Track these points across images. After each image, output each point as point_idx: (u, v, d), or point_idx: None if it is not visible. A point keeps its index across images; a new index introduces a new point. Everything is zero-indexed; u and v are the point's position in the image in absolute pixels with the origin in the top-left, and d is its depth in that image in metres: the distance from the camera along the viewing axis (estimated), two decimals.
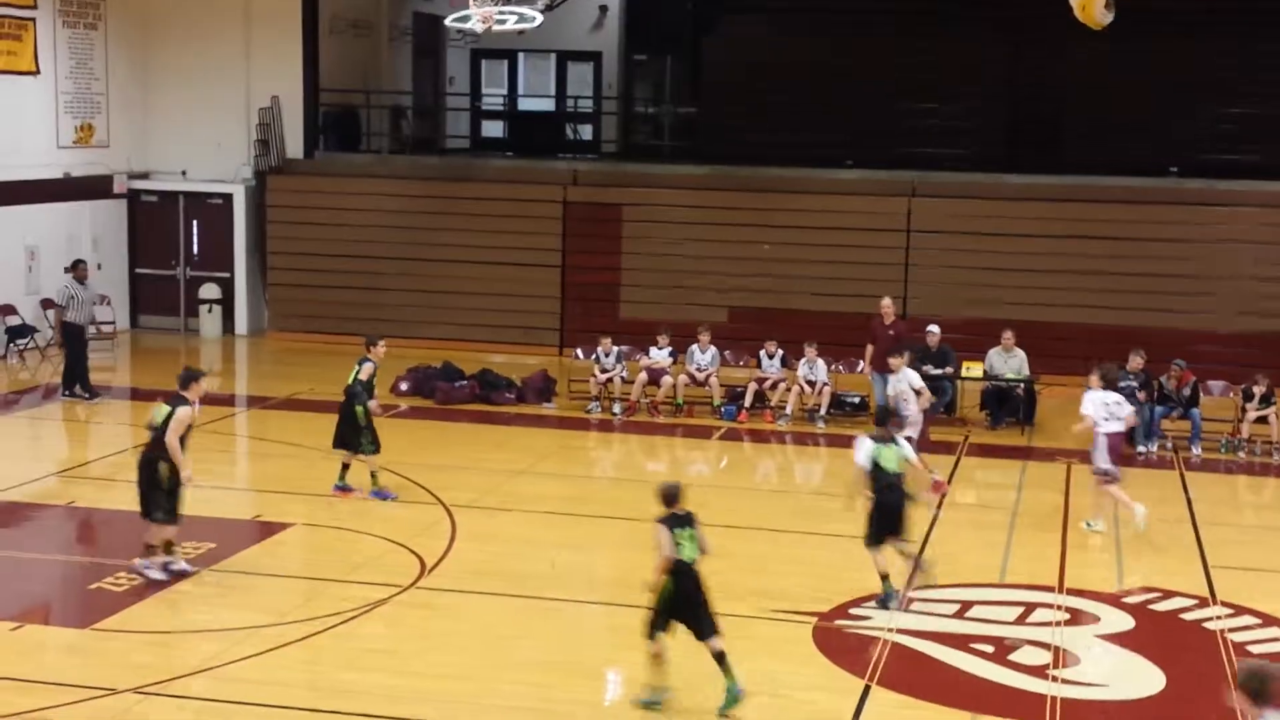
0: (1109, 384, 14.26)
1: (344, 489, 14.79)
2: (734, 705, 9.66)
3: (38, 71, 22.95)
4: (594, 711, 10.08)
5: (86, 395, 19.22)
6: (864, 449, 11.81)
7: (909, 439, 13.33)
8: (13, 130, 22.41)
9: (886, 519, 11.75)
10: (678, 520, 9.78)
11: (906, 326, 18.90)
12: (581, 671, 10.58)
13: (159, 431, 12.06)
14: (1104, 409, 14.05)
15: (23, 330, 21.99)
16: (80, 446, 18.12)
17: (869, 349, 18.28)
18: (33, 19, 22.72)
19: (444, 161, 27.19)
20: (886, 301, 18.65)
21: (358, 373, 14.74)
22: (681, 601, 9.69)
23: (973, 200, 22.80)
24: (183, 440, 12.08)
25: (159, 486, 12.03)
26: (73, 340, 19.38)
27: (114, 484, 15.26)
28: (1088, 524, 14.35)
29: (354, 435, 14.66)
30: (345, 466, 14.82)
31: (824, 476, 16.85)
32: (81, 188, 24.00)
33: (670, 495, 9.82)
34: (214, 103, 25.03)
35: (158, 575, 12.10)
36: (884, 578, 11.89)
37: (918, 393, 15.31)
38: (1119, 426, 14.10)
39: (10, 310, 22.15)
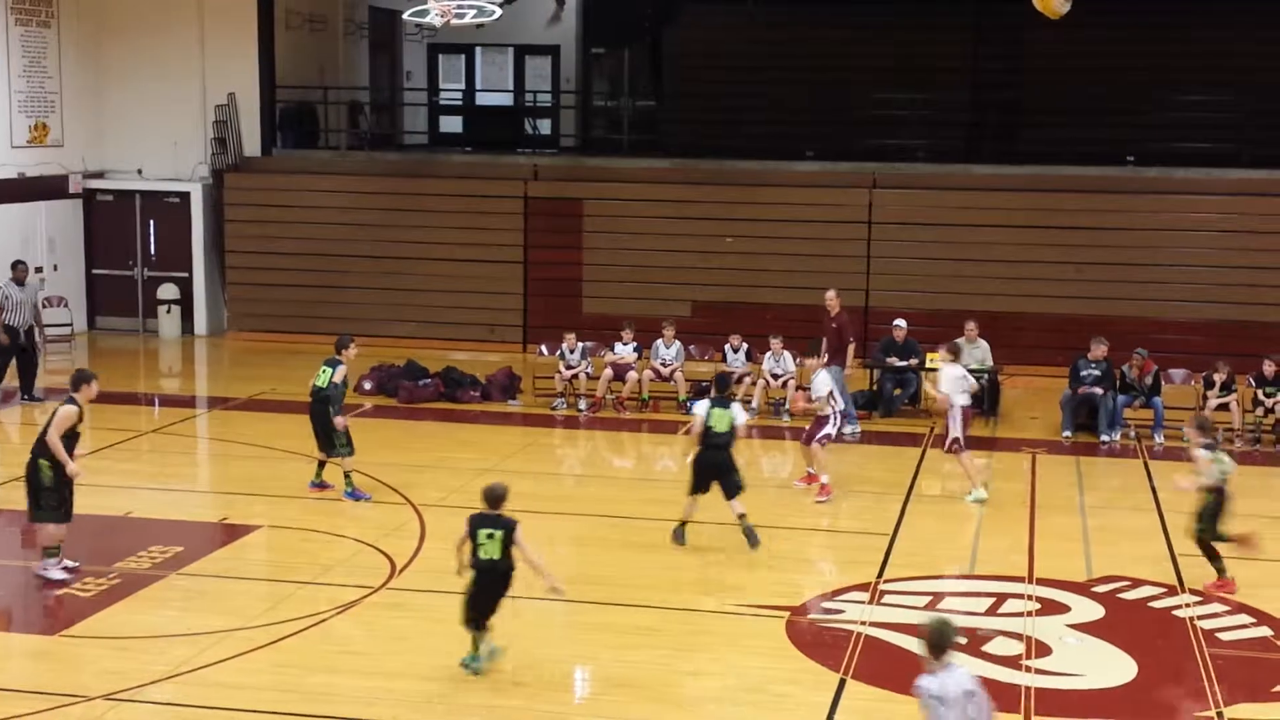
0: (958, 358, 15.12)
1: (320, 485, 14.73)
2: (478, 663, 10.19)
3: None
4: (565, 709, 10.04)
5: (25, 398, 19.09)
6: (701, 407, 13.17)
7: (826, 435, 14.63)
8: None
9: (702, 473, 13.07)
10: (485, 520, 10.10)
11: (850, 318, 18.81)
12: (552, 671, 10.53)
13: (43, 431, 12.00)
14: (960, 383, 14.78)
15: None
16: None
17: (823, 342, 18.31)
18: None
19: (403, 157, 27.05)
20: (830, 294, 18.60)
21: (331, 375, 14.59)
22: (480, 597, 10.14)
23: (934, 191, 22.86)
24: (74, 440, 12.07)
25: (43, 486, 11.97)
26: (11, 341, 19.18)
27: (77, 488, 15.04)
28: (969, 496, 14.81)
29: (329, 438, 14.56)
30: (321, 464, 14.74)
31: (791, 470, 16.86)
32: (36, 188, 23.73)
33: (492, 497, 10.11)
34: (169, 100, 24.80)
35: (59, 575, 12.04)
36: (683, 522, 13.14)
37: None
38: (968, 400, 14.95)
39: None
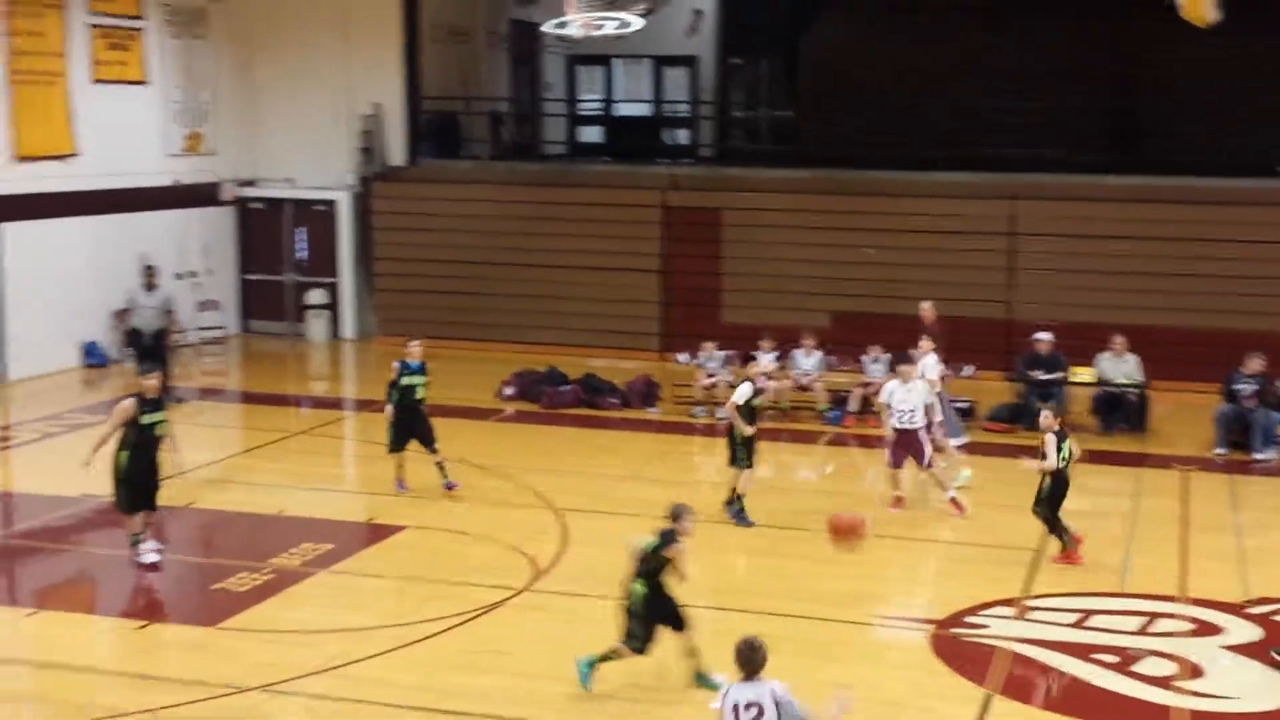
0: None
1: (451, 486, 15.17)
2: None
3: (146, 81, 23.42)
4: (702, 713, 10.03)
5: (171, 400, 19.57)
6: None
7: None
8: (123, 139, 22.87)
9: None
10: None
11: (941, 329, 18.52)
12: (688, 677, 10.54)
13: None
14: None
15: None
16: (195, 448, 18.36)
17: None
18: (141, 29, 23.22)
19: (543, 167, 27.32)
20: (926, 305, 18.43)
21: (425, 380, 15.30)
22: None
23: (1079, 202, 22.48)
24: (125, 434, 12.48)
25: (117, 478, 12.53)
26: (136, 347, 19.75)
27: (231, 485, 15.54)
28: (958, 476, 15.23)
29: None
30: (439, 466, 15.14)
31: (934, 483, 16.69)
32: (190, 195, 24.43)
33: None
34: (318, 110, 25.40)
35: (153, 558, 12.51)
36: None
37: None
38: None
39: (124, 316, 22.56)
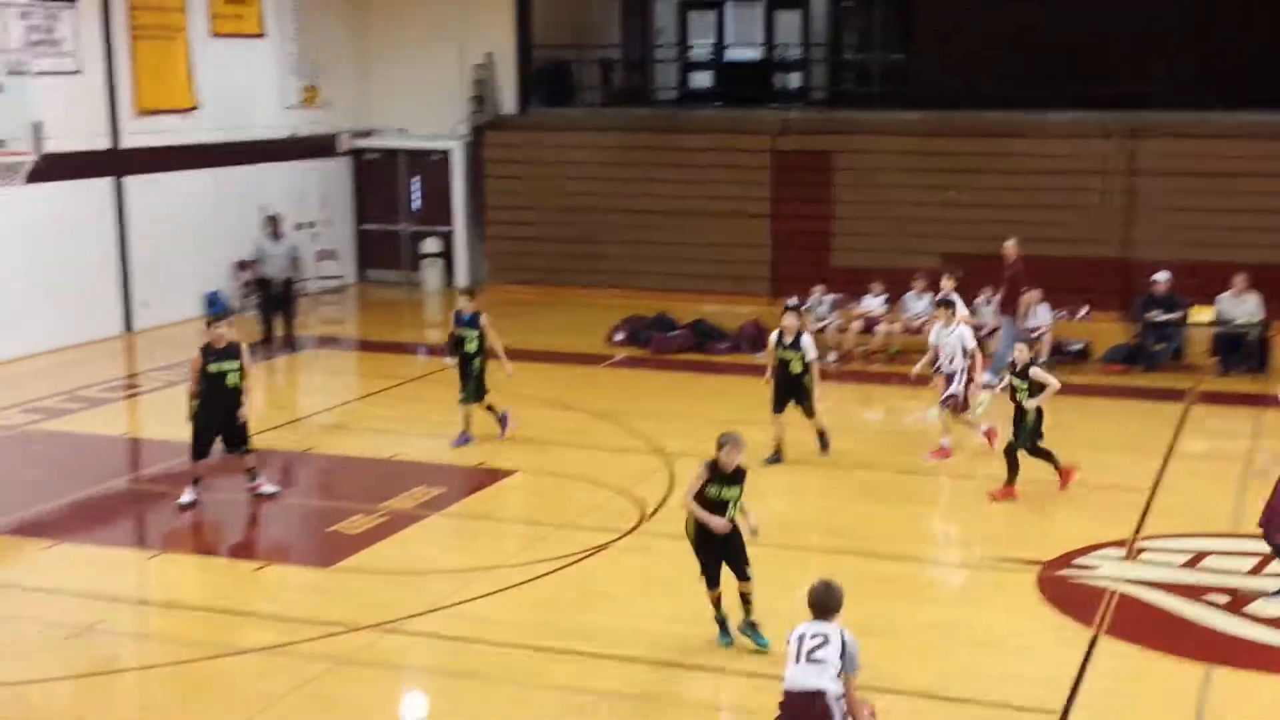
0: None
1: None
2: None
3: (264, 34, 23.80)
4: None
5: (286, 348, 19.97)
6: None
7: (952, 396, 14.32)
8: (242, 92, 23.32)
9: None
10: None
11: (1024, 268, 18.20)
12: (794, 618, 10.58)
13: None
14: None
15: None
16: (313, 395, 18.83)
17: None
18: None
19: (653, 113, 27.31)
20: (1009, 243, 18.12)
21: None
22: None
23: (1197, 140, 21.95)
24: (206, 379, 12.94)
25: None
26: (265, 294, 20.21)
27: (348, 431, 15.90)
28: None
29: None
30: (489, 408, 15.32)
31: (1049, 426, 16.51)
32: (307, 147, 24.85)
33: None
34: (431, 61, 25.62)
35: (188, 498, 13.01)
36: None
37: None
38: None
39: (245, 266, 23.08)
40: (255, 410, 13.33)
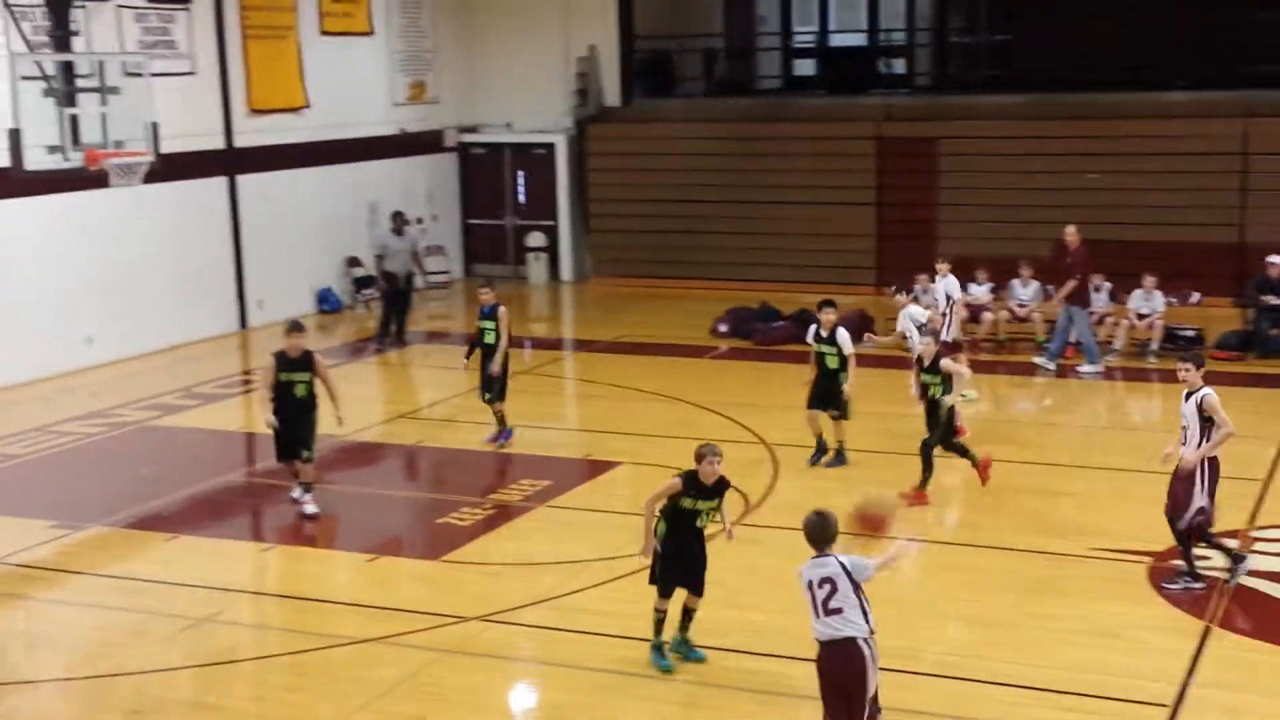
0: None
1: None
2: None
3: (372, 32, 24.16)
4: (916, 644, 10.08)
5: (398, 342, 20.28)
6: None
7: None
8: (351, 90, 23.69)
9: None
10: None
11: (1087, 255, 17.99)
12: (913, 610, 10.59)
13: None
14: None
15: (367, 281, 23.26)
16: (423, 389, 19.10)
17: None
18: None
19: (756, 102, 27.28)
20: (1070, 229, 18.01)
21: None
22: None
23: None
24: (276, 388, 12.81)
25: None
26: (388, 289, 20.54)
27: (456, 425, 16.12)
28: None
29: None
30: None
31: (1160, 413, 16.27)
32: (415, 143, 25.20)
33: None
34: (535, 55, 25.84)
35: (311, 509, 12.96)
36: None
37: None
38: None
39: (355, 262, 23.50)
40: (345, 414, 13.16)
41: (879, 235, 23.65)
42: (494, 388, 14.97)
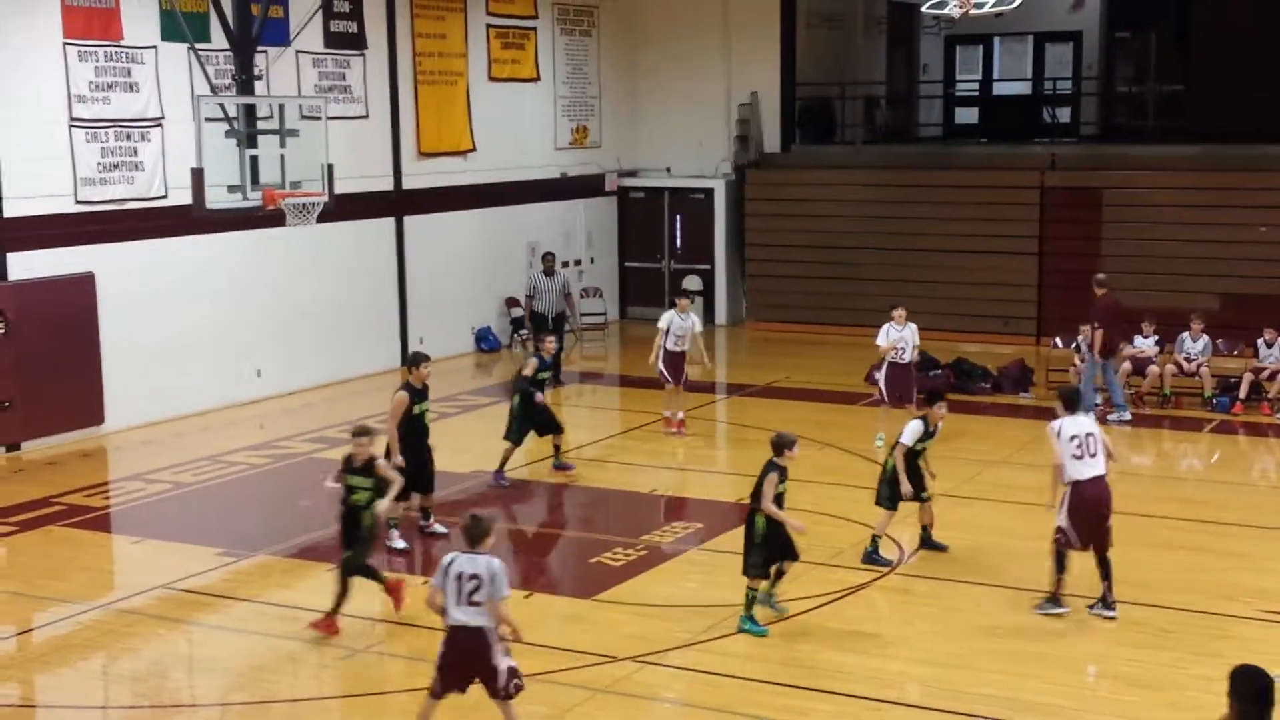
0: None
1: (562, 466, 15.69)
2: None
3: (538, 78, 24.63)
4: (1074, 703, 9.88)
5: (553, 382, 20.42)
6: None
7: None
8: (517, 134, 24.17)
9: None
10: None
11: (1109, 305, 17.92)
12: (1058, 663, 10.40)
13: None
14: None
15: (524, 322, 23.59)
16: (577, 429, 19.30)
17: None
18: (534, 28, 24.42)
19: (917, 150, 27.15)
20: (1100, 276, 18.07)
21: (523, 368, 15.41)
22: None
23: None
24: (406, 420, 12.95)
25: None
26: (538, 329, 20.81)
27: (609, 465, 16.26)
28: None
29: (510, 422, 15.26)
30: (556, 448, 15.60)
31: None
32: (577, 186, 25.58)
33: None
34: (696, 101, 26.10)
35: (400, 544, 13.12)
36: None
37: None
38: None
39: (514, 303, 23.88)
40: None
41: (1040, 285, 23.30)
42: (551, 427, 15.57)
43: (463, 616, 8.58)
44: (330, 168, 16.19)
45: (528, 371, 15.37)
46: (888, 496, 12.64)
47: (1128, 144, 25.11)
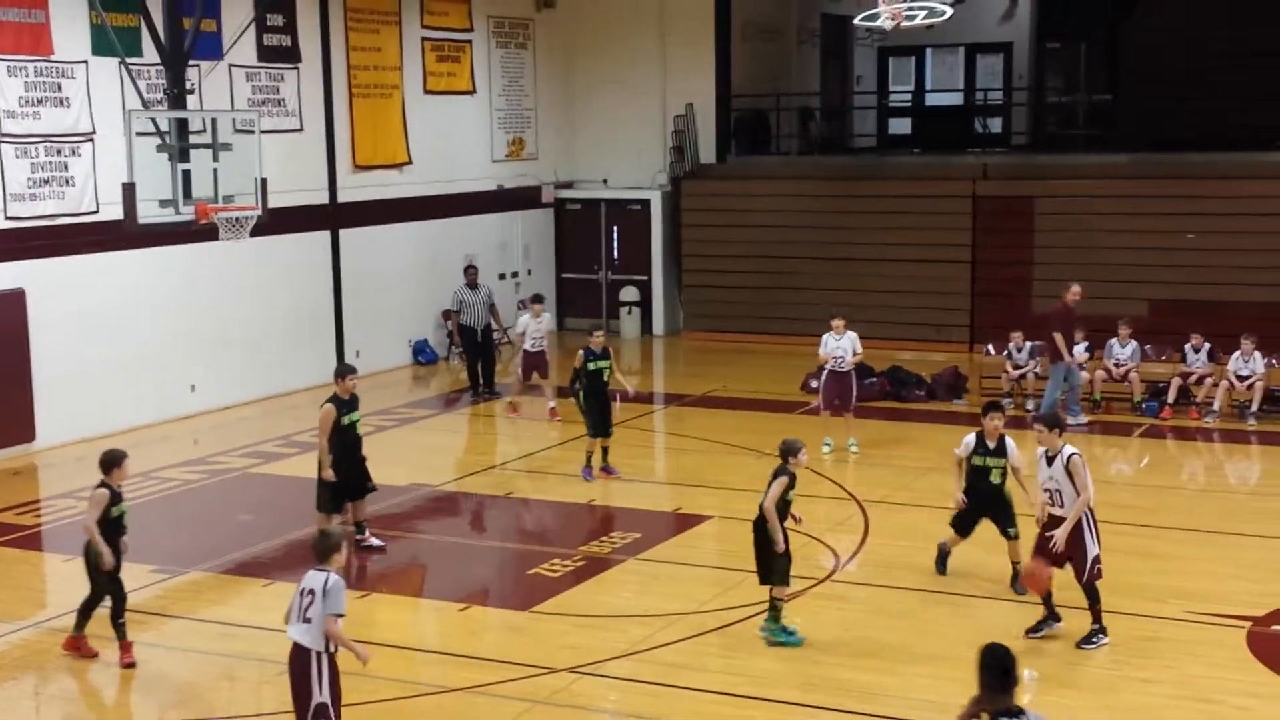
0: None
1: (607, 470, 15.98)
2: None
3: (474, 91, 24.62)
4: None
5: (486, 393, 20.53)
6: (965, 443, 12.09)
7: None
8: (453, 147, 24.13)
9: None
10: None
11: (1066, 313, 18.13)
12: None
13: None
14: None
15: (453, 336, 23.48)
16: (513, 441, 19.28)
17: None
18: (469, 41, 24.42)
19: (851, 160, 27.36)
20: (1075, 288, 18.16)
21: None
22: None
23: None
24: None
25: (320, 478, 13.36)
26: (467, 342, 20.79)
27: (546, 477, 16.26)
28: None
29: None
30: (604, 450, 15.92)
31: (1259, 477, 16.02)
32: (513, 199, 25.57)
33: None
34: (632, 112, 26.20)
35: (377, 542, 13.45)
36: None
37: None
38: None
39: (450, 315, 23.79)
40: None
41: (973, 293, 23.55)
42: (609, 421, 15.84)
43: (294, 633, 8.46)
44: (264, 181, 16.11)
45: (577, 365, 15.94)
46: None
47: (1058, 153, 25.45)
